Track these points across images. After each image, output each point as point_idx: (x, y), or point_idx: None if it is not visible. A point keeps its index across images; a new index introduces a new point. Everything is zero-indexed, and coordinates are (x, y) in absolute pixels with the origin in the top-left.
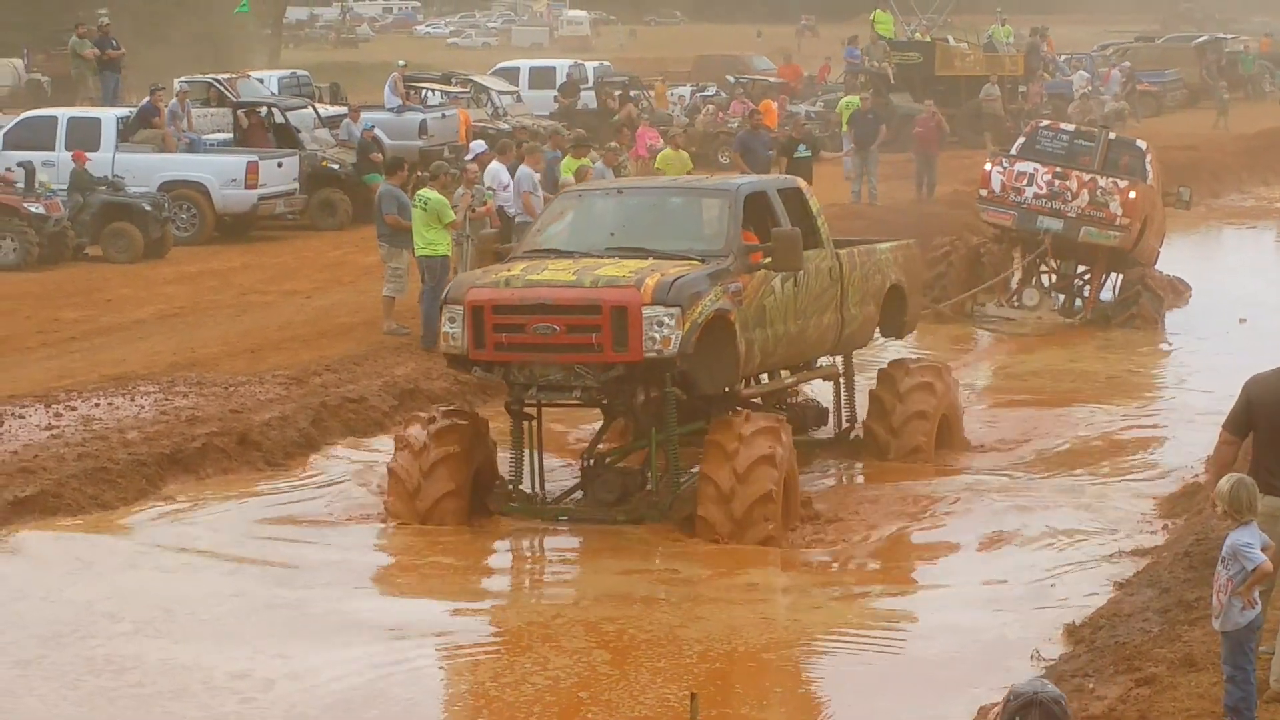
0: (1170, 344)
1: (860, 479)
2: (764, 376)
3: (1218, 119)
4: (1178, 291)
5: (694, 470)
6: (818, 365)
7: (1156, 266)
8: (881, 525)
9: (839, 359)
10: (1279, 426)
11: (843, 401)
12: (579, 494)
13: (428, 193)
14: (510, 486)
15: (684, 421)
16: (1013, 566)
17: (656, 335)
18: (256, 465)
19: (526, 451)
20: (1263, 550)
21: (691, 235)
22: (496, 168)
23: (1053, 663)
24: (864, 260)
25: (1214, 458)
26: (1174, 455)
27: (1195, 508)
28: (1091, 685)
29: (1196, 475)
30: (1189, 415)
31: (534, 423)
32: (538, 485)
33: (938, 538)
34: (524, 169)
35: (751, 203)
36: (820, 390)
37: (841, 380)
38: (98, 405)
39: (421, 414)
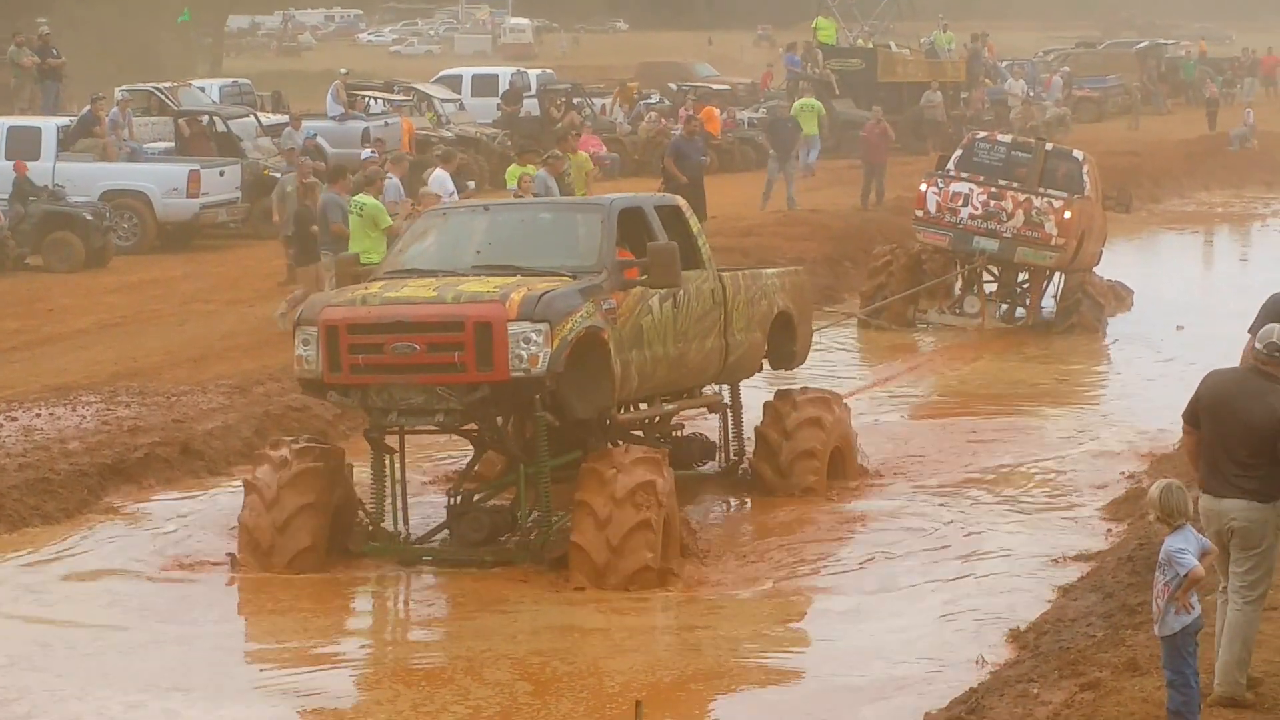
0: (1108, 352)
1: (771, 510)
2: (644, 406)
3: (1133, 121)
4: (1119, 297)
5: (564, 514)
6: (702, 394)
7: (1099, 272)
8: (807, 552)
9: (725, 389)
10: (1220, 426)
11: (730, 435)
12: (446, 533)
13: (363, 198)
14: (370, 525)
15: (559, 453)
16: (954, 576)
17: (523, 353)
18: (199, 475)
19: (391, 486)
20: (1203, 554)
21: (562, 252)
22: (441, 175)
23: (998, 668)
24: (748, 284)
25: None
26: (1109, 462)
27: (1138, 512)
28: (1036, 690)
29: (1139, 481)
30: (1123, 422)
31: (396, 455)
32: (401, 523)
33: (869, 558)
34: (392, 179)
35: (627, 219)
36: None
37: (729, 412)
38: (39, 415)
39: (271, 454)
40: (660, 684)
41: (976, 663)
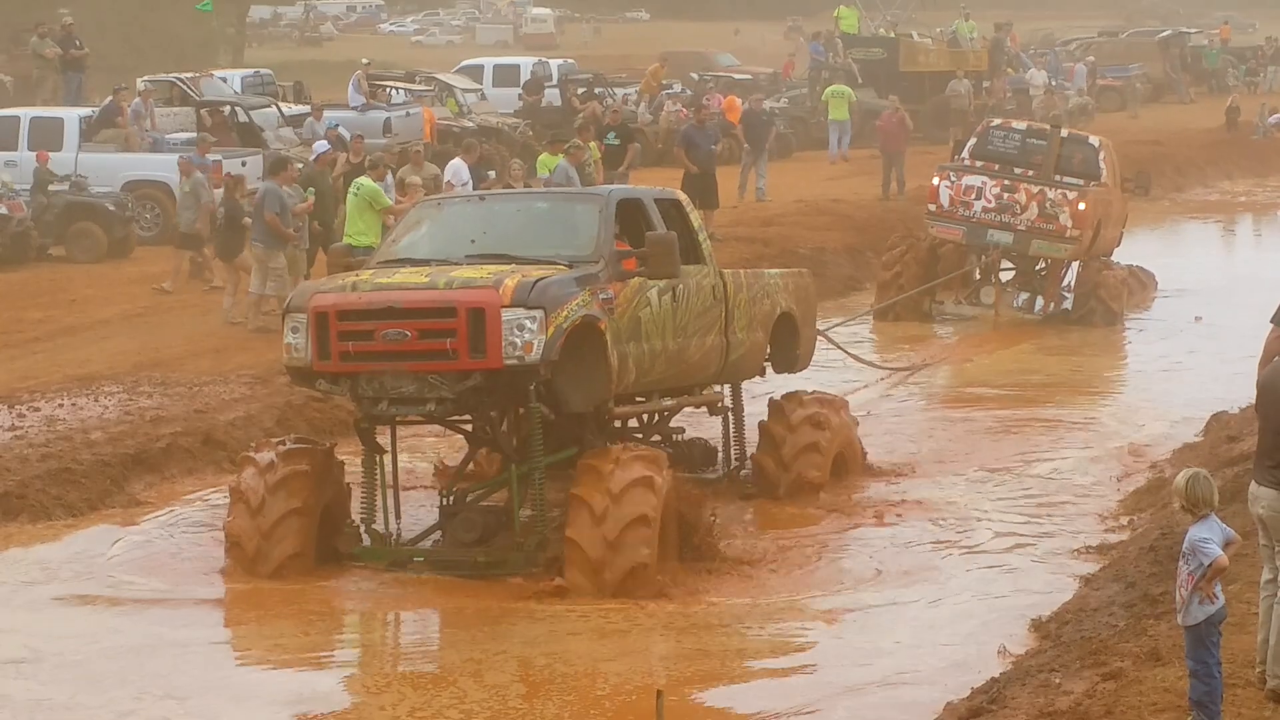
0: (1126, 343)
1: (779, 510)
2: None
3: (1133, 110)
4: (1140, 285)
5: (559, 514)
6: (702, 393)
7: (1120, 260)
8: (819, 548)
9: (727, 390)
10: (1266, 413)
11: (732, 438)
12: (439, 534)
13: (363, 180)
14: (361, 526)
15: (553, 450)
16: (974, 566)
17: (518, 340)
18: (221, 465)
19: (382, 485)
20: (1227, 544)
21: (559, 241)
22: (458, 165)
23: (1019, 658)
24: (751, 283)
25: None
26: (1129, 453)
27: (1159, 502)
28: (1058, 680)
29: (1160, 471)
30: (1142, 413)
31: (389, 452)
32: (393, 523)
33: (887, 552)
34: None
35: (625, 211)
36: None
37: (730, 414)
38: (61, 406)
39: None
40: (676, 679)
41: (998, 652)
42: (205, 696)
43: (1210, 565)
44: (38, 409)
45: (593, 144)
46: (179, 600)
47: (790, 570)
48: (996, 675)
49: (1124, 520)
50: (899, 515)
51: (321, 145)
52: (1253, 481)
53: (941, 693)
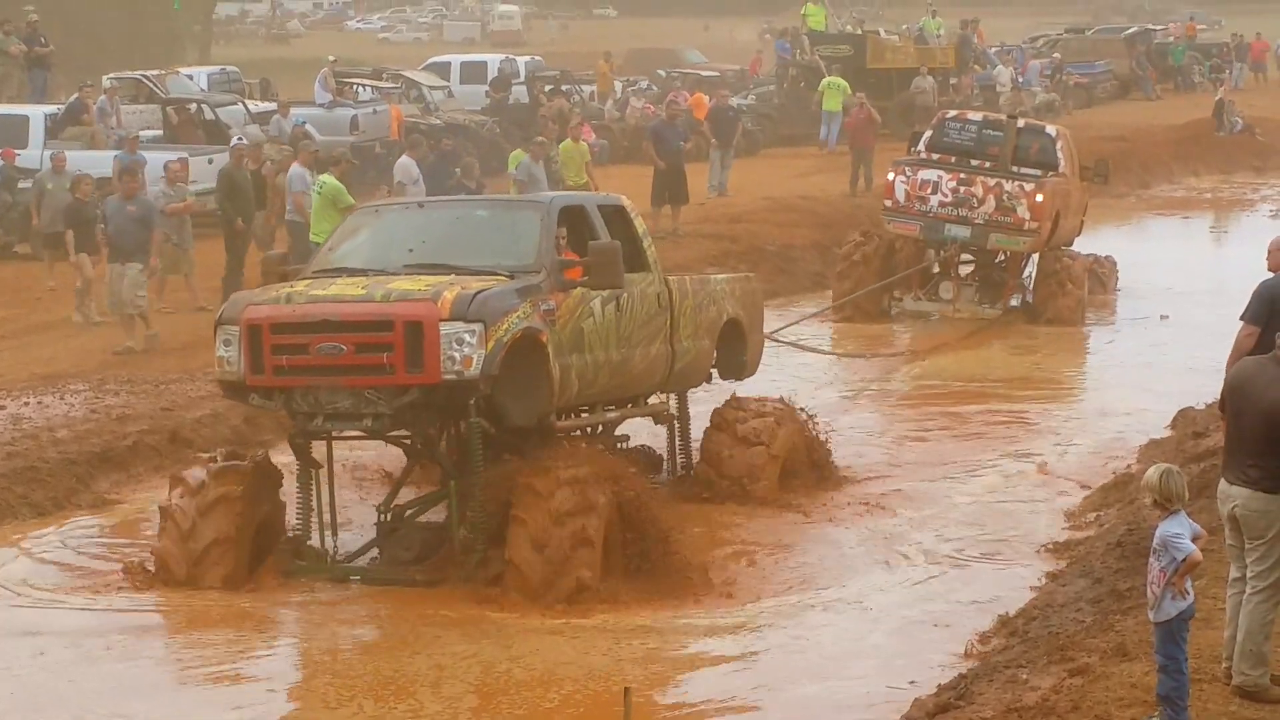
0: (1091, 340)
1: (735, 517)
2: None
3: (1069, 108)
4: (1100, 287)
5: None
6: (647, 403)
7: (1081, 250)
8: (780, 551)
9: (672, 398)
10: (1239, 413)
11: (677, 447)
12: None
13: (325, 178)
14: (298, 543)
15: (495, 463)
16: (942, 563)
17: (456, 355)
18: (188, 463)
19: (318, 500)
20: (1195, 538)
21: (499, 250)
22: (405, 163)
23: (987, 654)
24: (696, 289)
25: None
26: (1096, 450)
27: (1126, 498)
28: (1025, 676)
29: (1128, 467)
30: (1108, 410)
31: (327, 465)
32: (330, 540)
33: (855, 551)
34: (296, 168)
35: (567, 218)
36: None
37: (676, 423)
38: (27, 404)
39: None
40: (638, 684)
41: (965, 649)
42: (150, 716)
43: (1184, 560)
44: (3, 407)
45: (584, 144)
46: (126, 612)
47: (752, 572)
48: (964, 672)
49: (1090, 516)
50: (861, 514)
51: (236, 138)
52: (1222, 480)
53: (909, 689)
